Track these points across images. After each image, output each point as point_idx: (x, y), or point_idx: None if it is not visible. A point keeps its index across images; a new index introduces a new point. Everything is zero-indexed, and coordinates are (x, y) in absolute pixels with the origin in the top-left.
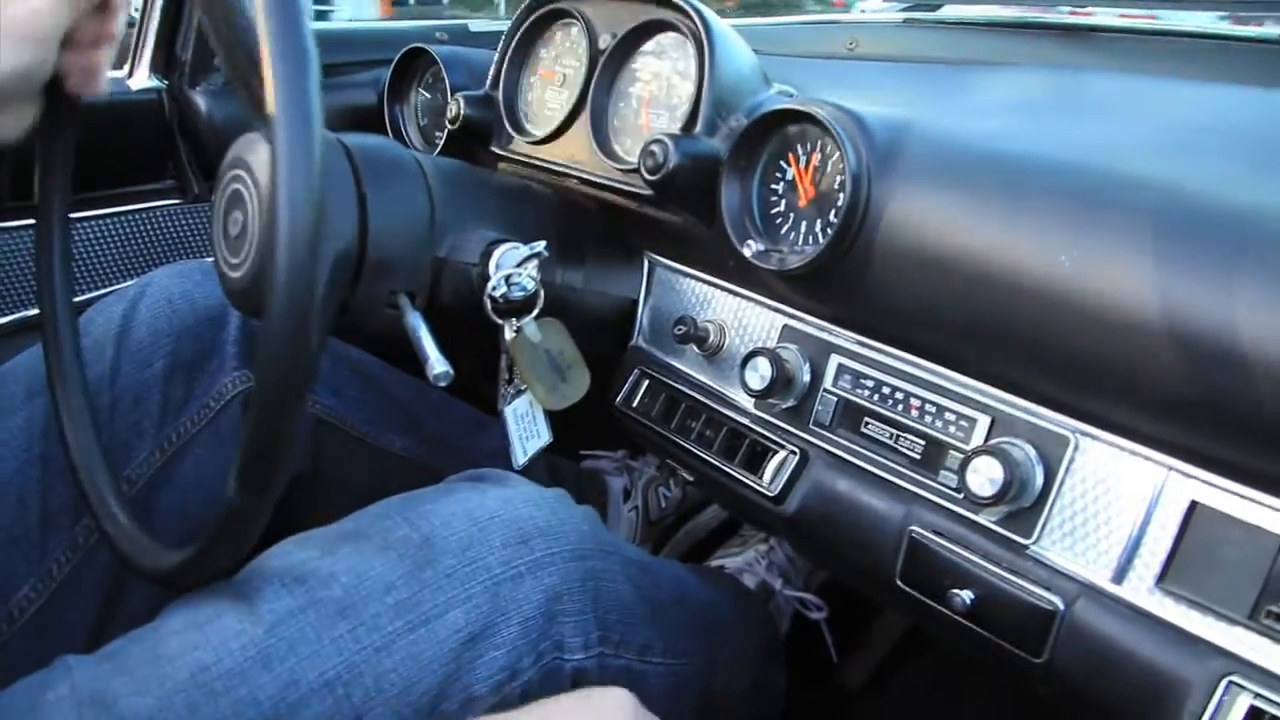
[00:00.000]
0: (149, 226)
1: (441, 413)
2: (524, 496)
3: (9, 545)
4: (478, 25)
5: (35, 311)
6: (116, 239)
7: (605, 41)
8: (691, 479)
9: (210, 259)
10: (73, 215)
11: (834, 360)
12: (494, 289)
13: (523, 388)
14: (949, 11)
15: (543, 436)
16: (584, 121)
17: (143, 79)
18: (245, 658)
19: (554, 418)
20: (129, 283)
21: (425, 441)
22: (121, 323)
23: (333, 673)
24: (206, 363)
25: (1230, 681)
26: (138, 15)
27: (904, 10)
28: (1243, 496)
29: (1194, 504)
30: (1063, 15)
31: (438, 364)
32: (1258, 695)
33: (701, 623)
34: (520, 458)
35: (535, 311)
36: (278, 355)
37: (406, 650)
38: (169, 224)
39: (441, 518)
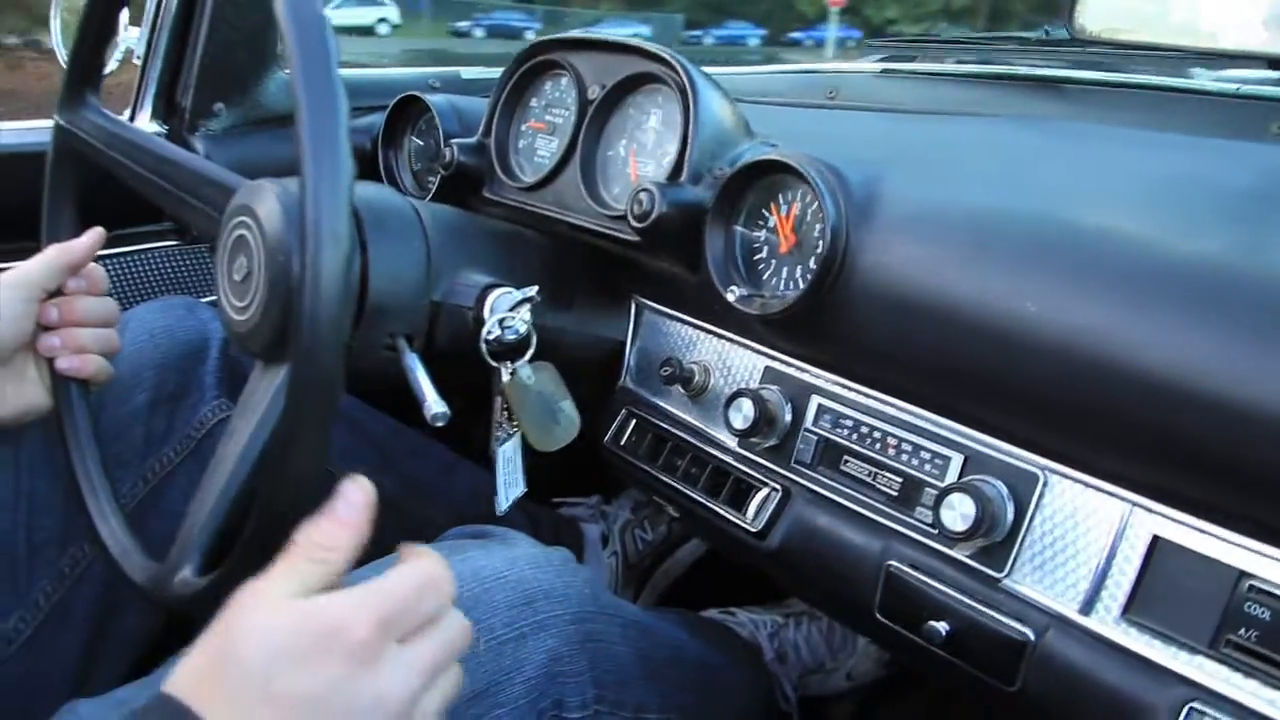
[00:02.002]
0: (148, 267)
1: (418, 454)
2: (528, 558)
3: None
4: (470, 73)
5: None
6: (117, 279)
7: (594, 92)
8: (677, 515)
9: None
10: None
11: (814, 401)
12: (489, 332)
13: (514, 430)
14: (923, 64)
15: (520, 485)
16: (573, 169)
17: (144, 123)
18: None
19: (527, 463)
20: None
21: (402, 482)
22: None
23: None
24: (187, 395)
25: (1192, 708)
26: (140, 61)
27: (881, 61)
28: (1202, 531)
29: (1156, 538)
30: (1031, 68)
31: (435, 404)
32: None
33: (697, 680)
34: (503, 504)
35: (529, 354)
36: (308, 399)
37: None
38: (168, 264)
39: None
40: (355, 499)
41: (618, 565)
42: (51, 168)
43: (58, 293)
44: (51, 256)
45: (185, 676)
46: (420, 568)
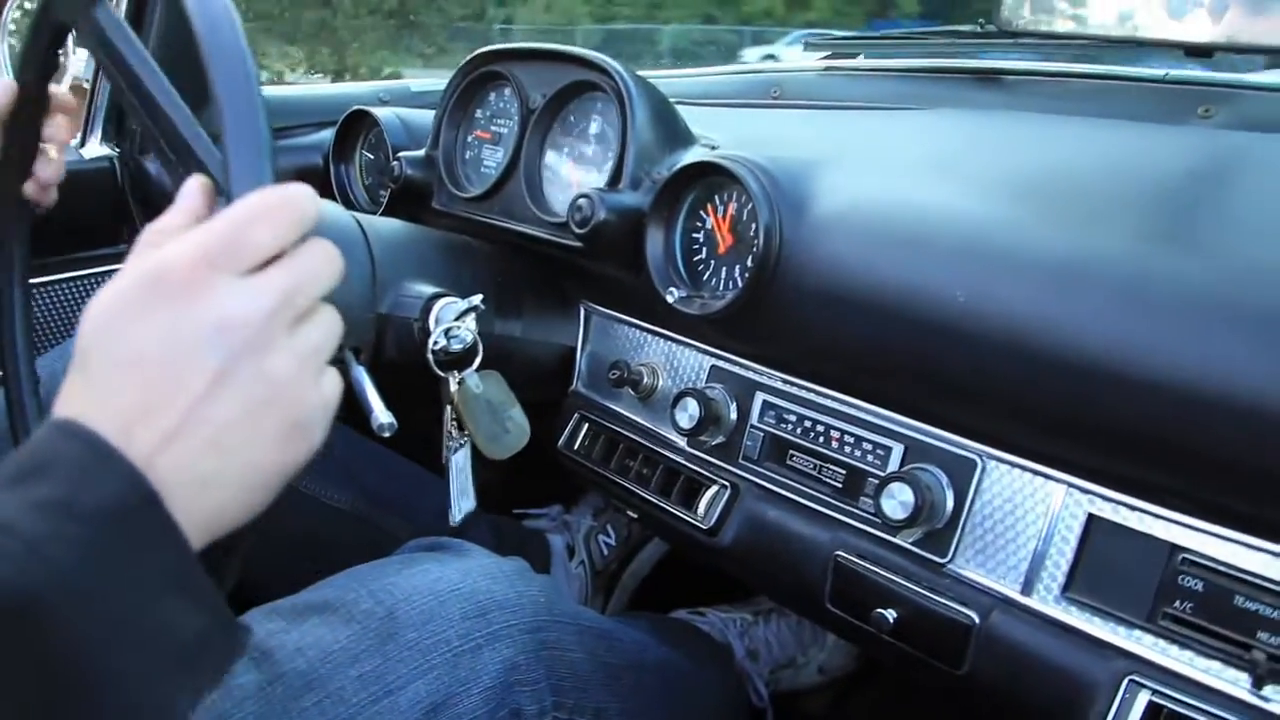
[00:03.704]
0: None
1: (384, 469)
2: (482, 569)
3: None
4: (419, 86)
5: None
6: (71, 304)
7: (535, 101)
8: (635, 516)
9: None
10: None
11: (759, 397)
12: (435, 343)
13: (465, 440)
14: (865, 61)
15: (470, 500)
16: (518, 178)
17: (95, 148)
18: None
19: (488, 473)
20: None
21: (366, 497)
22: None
23: None
24: None
25: (1131, 680)
26: (89, 86)
27: (824, 58)
28: (1135, 508)
29: (1091, 517)
30: (971, 61)
31: (381, 415)
32: (1155, 692)
33: (660, 685)
34: (456, 515)
35: (476, 363)
36: None
37: None
38: None
39: (404, 591)
40: (192, 188)
41: (586, 574)
42: None
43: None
44: None
45: (64, 389)
46: (253, 199)
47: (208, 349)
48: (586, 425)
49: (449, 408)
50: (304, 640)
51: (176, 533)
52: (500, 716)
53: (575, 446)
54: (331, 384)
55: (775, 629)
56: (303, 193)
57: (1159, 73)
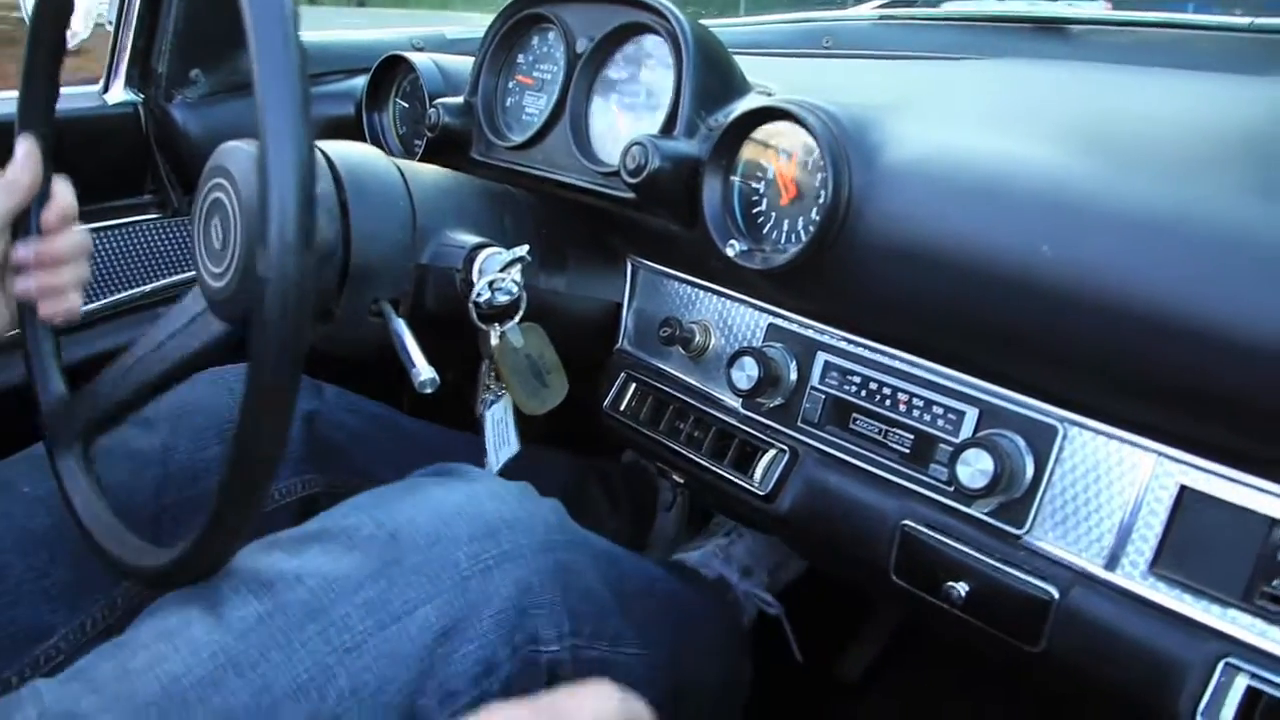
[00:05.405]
0: (129, 241)
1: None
2: (489, 490)
3: (39, 596)
4: (454, 32)
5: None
6: (97, 255)
7: (582, 45)
8: (681, 481)
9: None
10: None
11: (820, 357)
12: (478, 295)
13: (502, 392)
14: (921, 9)
15: (513, 445)
16: (563, 126)
17: (119, 93)
18: (216, 665)
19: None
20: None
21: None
22: (179, 404)
23: (305, 675)
24: None
25: (1227, 663)
26: (112, 27)
27: (879, 6)
28: (1231, 479)
29: (1183, 488)
30: (1034, 9)
31: (423, 370)
32: (1255, 676)
33: (670, 614)
34: (495, 464)
35: (518, 316)
36: (271, 346)
37: (379, 649)
38: (149, 239)
39: (407, 514)
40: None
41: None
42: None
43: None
44: (6, 180)
45: None
46: None
47: None
48: (634, 385)
49: (486, 361)
50: (304, 569)
51: None
52: (517, 641)
53: (621, 407)
54: None
55: (748, 542)
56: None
57: (1243, 21)
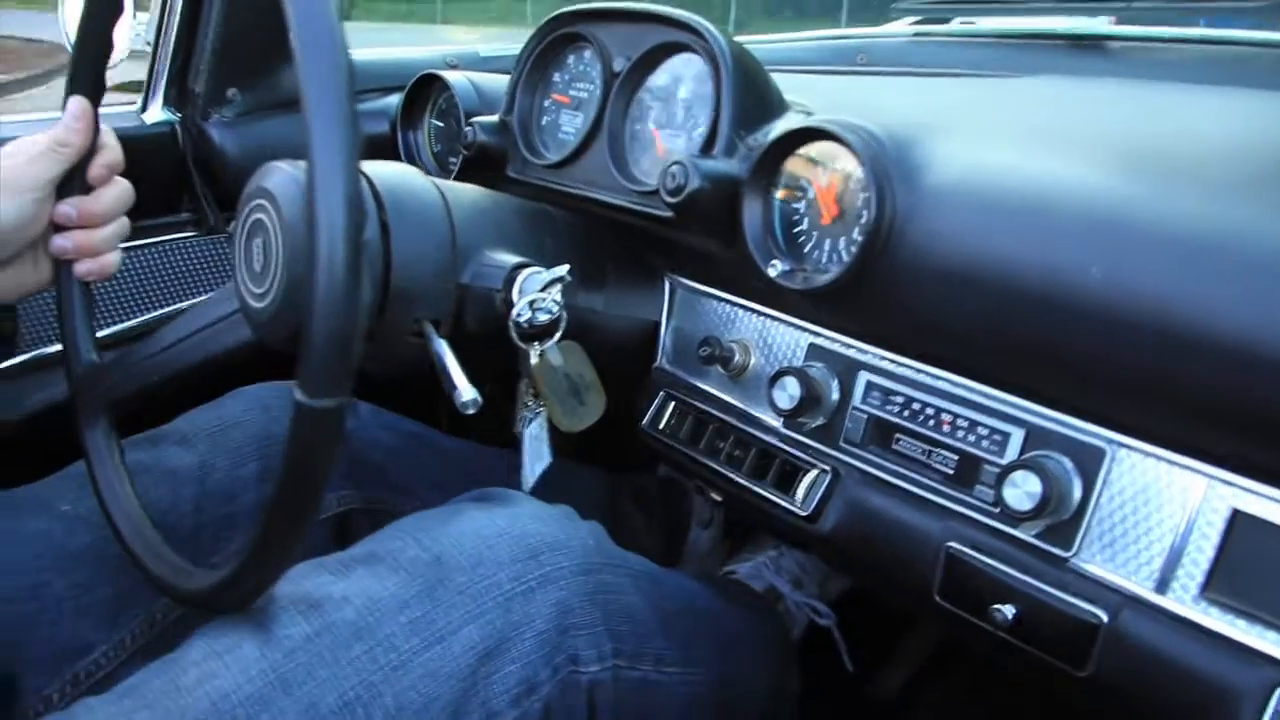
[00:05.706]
0: (166, 259)
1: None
2: (530, 513)
3: (79, 614)
4: (488, 50)
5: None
6: (134, 272)
7: (619, 64)
8: (720, 500)
9: None
10: None
11: (862, 377)
12: (519, 314)
13: (539, 410)
14: (959, 25)
15: (546, 458)
16: (601, 144)
17: (156, 112)
18: (265, 683)
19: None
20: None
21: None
22: (216, 421)
23: (352, 694)
24: None
25: None
26: (150, 48)
27: (915, 23)
28: None
29: (1236, 512)
30: (1071, 25)
31: (466, 391)
32: None
33: (713, 632)
34: (529, 480)
35: (558, 335)
36: (320, 364)
37: (423, 668)
38: (186, 257)
39: (451, 537)
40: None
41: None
42: None
43: (70, 178)
44: (56, 141)
45: None
46: None
47: None
48: (673, 404)
49: (524, 380)
50: (351, 590)
51: None
52: (558, 662)
53: (660, 425)
54: None
55: (798, 555)
56: None
57: None
